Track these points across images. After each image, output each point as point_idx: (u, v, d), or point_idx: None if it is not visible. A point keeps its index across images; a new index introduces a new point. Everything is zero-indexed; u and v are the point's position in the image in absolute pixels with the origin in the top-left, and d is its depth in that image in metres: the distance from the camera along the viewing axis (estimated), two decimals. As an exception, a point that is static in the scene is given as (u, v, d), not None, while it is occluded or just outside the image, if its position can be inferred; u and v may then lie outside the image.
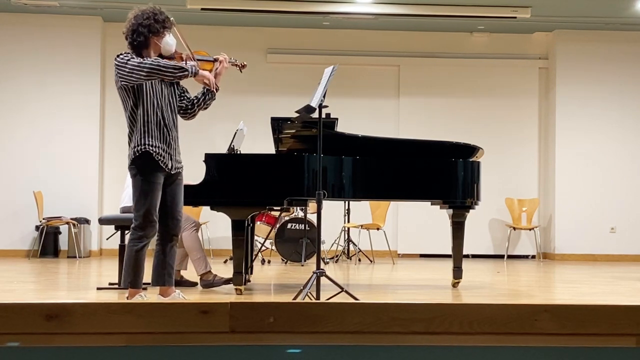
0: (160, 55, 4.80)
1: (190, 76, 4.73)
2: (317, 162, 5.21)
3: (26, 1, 10.01)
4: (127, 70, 4.63)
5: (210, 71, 4.94)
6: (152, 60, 4.64)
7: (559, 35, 11.34)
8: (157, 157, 4.70)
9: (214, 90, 4.90)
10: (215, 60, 4.93)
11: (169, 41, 4.79)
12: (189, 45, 4.85)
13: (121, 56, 4.69)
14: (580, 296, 6.11)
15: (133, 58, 4.65)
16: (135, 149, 4.70)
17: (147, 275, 4.95)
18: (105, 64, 11.05)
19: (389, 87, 11.54)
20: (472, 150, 6.27)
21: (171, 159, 4.79)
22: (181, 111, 4.96)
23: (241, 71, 5.13)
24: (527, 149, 11.61)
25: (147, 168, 4.70)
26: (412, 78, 11.51)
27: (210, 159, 5.58)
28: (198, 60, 4.89)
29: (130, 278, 4.78)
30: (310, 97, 5.13)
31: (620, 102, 11.35)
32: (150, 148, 4.69)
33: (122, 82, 4.68)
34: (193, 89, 5.10)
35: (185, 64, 4.73)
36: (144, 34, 4.70)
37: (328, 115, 6.15)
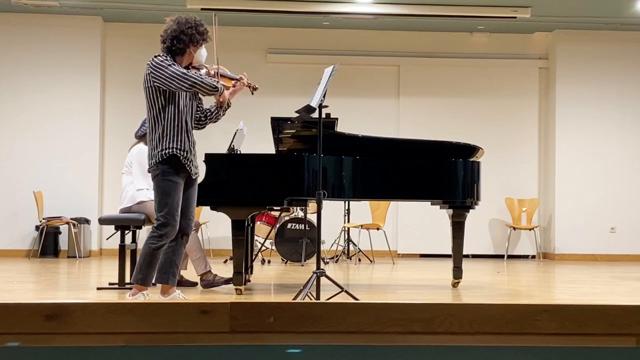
0: (191, 64, 4.92)
1: (218, 95, 4.91)
2: (317, 162, 5.21)
3: (26, 1, 10.01)
4: (167, 74, 4.71)
5: (228, 88, 5.06)
6: (196, 75, 4.77)
7: (559, 35, 11.34)
8: (184, 161, 4.81)
9: (225, 106, 5.03)
10: (238, 79, 5.05)
11: (203, 53, 4.94)
12: (219, 60, 4.99)
13: (161, 58, 4.78)
14: (580, 296, 6.11)
15: (174, 64, 4.75)
16: (163, 152, 4.77)
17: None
18: (105, 64, 11.06)
19: (389, 87, 11.54)
20: (472, 150, 6.27)
21: (192, 164, 4.90)
22: (194, 121, 5.04)
23: (252, 93, 5.20)
24: (527, 149, 11.61)
25: (172, 169, 4.78)
26: (412, 78, 11.51)
27: (211, 159, 5.59)
28: (222, 76, 5.02)
29: (142, 275, 4.86)
30: (310, 97, 5.13)
31: (620, 102, 11.35)
32: (178, 152, 4.78)
33: (157, 83, 4.74)
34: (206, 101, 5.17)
35: (217, 82, 4.88)
36: (184, 41, 4.82)
37: (328, 115, 6.16)
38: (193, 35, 4.82)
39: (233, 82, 5.03)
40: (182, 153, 4.78)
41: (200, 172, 5.56)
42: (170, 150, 4.76)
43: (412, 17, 10.55)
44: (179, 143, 4.77)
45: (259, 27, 11.28)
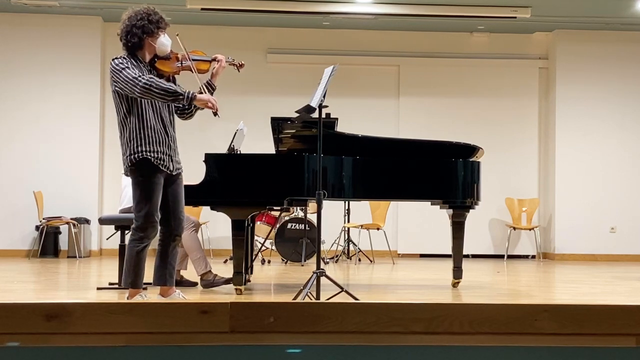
0: (156, 56, 4.77)
1: (186, 102, 4.64)
2: (317, 162, 5.20)
3: (26, 1, 10.01)
4: (121, 78, 4.58)
5: (207, 71, 4.89)
6: (148, 80, 4.54)
7: (559, 35, 11.34)
8: (157, 162, 4.68)
9: (216, 114, 4.75)
10: (213, 60, 4.88)
11: (164, 41, 4.73)
12: (185, 45, 4.80)
13: (117, 61, 4.64)
14: (580, 296, 6.11)
15: (128, 68, 4.58)
16: (134, 156, 4.64)
17: (148, 275, 4.95)
18: (105, 64, 11.05)
19: (389, 87, 11.54)
20: (472, 150, 6.27)
21: (171, 161, 4.77)
22: (178, 111, 4.92)
23: (239, 70, 5.08)
24: (527, 149, 11.61)
25: (147, 170, 4.68)
26: (412, 78, 11.51)
27: (211, 159, 5.58)
28: (195, 60, 4.84)
29: (131, 278, 4.76)
30: (310, 97, 5.13)
31: (620, 102, 11.35)
32: (149, 154, 4.65)
33: (116, 88, 4.65)
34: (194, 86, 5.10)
35: (182, 88, 4.66)
36: (137, 35, 4.65)
37: (328, 115, 6.16)
38: (145, 25, 4.63)
39: (210, 64, 4.85)
40: (152, 154, 4.64)
41: (200, 172, 5.56)
42: (140, 154, 4.63)
43: (412, 17, 10.55)
44: (148, 145, 4.63)
45: (259, 27, 11.28)
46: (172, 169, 4.78)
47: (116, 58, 4.67)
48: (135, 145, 4.64)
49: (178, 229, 4.89)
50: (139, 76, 4.55)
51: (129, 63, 4.63)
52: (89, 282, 7.19)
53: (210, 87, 4.91)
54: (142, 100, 4.65)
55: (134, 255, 4.74)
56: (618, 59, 11.34)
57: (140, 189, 4.70)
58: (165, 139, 4.73)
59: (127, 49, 4.71)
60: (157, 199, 4.71)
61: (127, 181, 6.22)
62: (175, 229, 4.87)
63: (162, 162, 4.69)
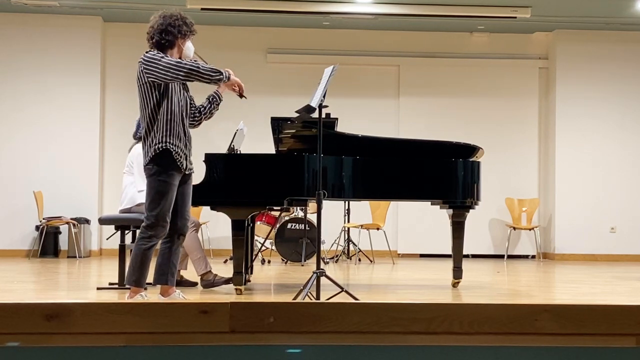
0: (180, 58, 4.85)
1: (224, 81, 4.79)
2: (317, 162, 5.21)
3: (26, 1, 10.01)
4: (160, 66, 4.65)
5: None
6: (193, 62, 4.72)
7: (559, 35, 11.34)
8: (176, 157, 4.73)
9: (243, 96, 4.94)
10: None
11: (190, 47, 4.87)
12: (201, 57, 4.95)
13: (152, 52, 4.73)
14: (580, 296, 6.11)
15: (166, 56, 4.70)
16: (157, 146, 4.70)
17: (148, 276, 4.95)
18: (105, 64, 11.06)
19: (389, 87, 11.54)
20: (472, 150, 6.26)
21: (186, 159, 4.83)
22: (190, 117, 4.99)
23: (241, 97, 5.13)
24: (527, 149, 11.61)
25: (166, 168, 4.72)
26: (412, 78, 11.51)
27: (210, 159, 5.59)
28: None
29: (135, 276, 4.79)
30: (310, 97, 5.13)
31: (621, 102, 11.36)
32: (171, 146, 4.71)
33: (151, 78, 4.69)
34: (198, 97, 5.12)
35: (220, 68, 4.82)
36: (173, 33, 4.77)
37: (328, 115, 6.15)
38: (180, 26, 4.78)
39: None
40: (174, 147, 4.71)
41: (200, 172, 5.56)
42: (163, 145, 4.69)
43: (412, 17, 10.55)
44: (172, 137, 4.71)
45: (259, 27, 11.28)
46: (185, 167, 4.82)
47: (149, 51, 4.77)
48: (161, 135, 4.72)
49: (183, 228, 4.93)
50: (182, 60, 4.73)
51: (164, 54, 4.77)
52: (89, 282, 7.19)
53: (218, 98, 5.05)
54: (172, 94, 4.74)
55: (141, 253, 4.77)
56: (618, 59, 11.34)
57: (156, 190, 4.74)
58: (184, 137, 4.82)
59: (158, 47, 4.79)
60: (170, 201, 4.76)
61: (128, 181, 6.23)
62: (180, 229, 4.91)
63: (179, 158, 4.75)
